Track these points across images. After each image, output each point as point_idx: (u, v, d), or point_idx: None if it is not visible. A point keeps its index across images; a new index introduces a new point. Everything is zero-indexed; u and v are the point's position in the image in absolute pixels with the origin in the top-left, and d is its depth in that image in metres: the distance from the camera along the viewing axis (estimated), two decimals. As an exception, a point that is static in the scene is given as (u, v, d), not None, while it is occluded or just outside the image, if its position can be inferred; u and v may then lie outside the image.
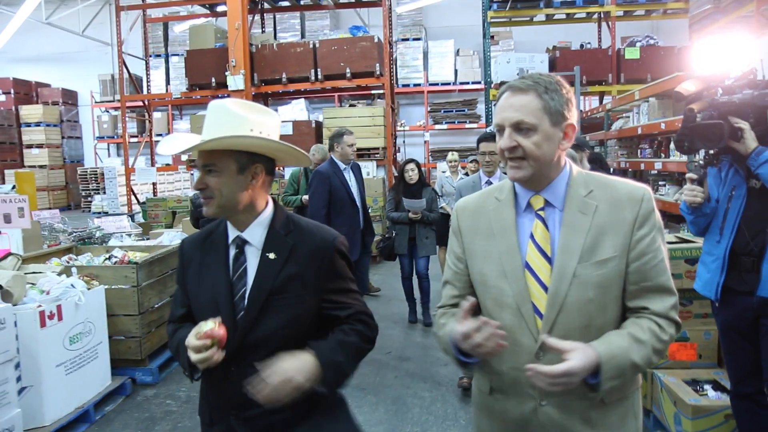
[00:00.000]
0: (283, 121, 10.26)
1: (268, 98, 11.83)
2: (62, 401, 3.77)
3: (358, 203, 5.04)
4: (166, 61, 15.76)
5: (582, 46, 10.81)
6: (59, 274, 4.18)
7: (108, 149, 18.63)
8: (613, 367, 1.38)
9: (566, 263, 1.47)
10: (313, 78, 9.94)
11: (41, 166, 16.83)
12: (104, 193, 14.52)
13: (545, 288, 1.48)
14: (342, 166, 4.99)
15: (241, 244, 1.67)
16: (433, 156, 14.25)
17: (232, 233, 1.68)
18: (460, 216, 1.65)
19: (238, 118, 1.57)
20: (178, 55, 15.50)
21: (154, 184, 10.85)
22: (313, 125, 10.06)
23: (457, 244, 1.64)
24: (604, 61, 9.62)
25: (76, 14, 17.68)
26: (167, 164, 12.48)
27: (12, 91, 17.00)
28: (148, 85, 12.51)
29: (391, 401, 4.23)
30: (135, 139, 15.23)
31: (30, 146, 17.07)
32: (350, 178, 5.02)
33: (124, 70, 11.04)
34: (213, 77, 10.06)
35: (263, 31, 11.62)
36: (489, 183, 4.16)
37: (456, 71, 13.37)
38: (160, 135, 14.74)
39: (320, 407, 1.68)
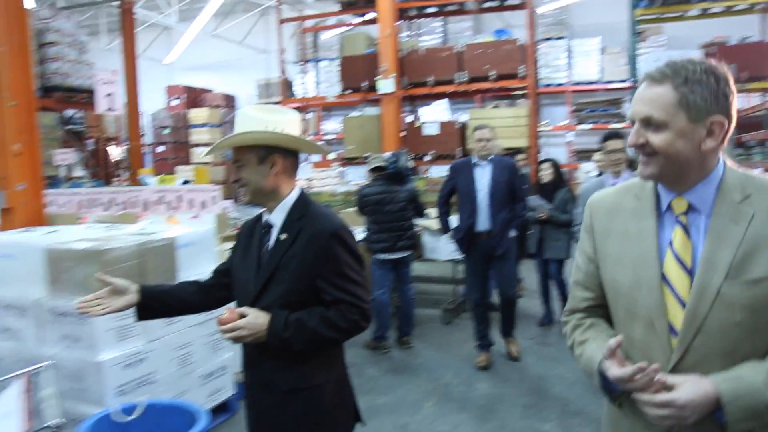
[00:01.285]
0: (428, 122, 10.82)
1: (415, 100, 12.39)
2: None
3: (479, 200, 4.70)
4: (316, 66, 16.89)
5: (742, 39, 10.27)
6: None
7: (262, 149, 20.11)
8: (741, 408, 1.22)
9: (708, 279, 1.29)
10: (458, 80, 10.34)
11: (205, 164, 18.65)
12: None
13: (683, 304, 1.31)
14: (475, 161, 4.78)
15: (268, 226, 1.96)
16: (577, 156, 14.10)
17: (265, 218, 1.98)
18: (593, 213, 1.52)
19: (255, 120, 1.86)
20: (327, 59, 16.57)
21: (308, 179, 11.80)
22: (459, 125, 10.44)
23: (588, 244, 1.52)
24: (768, 56, 9.11)
25: (236, 26, 19.43)
26: (319, 162, 13.49)
27: (183, 97, 18.97)
28: (298, 88, 13.55)
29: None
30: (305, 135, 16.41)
31: (197, 145, 18.97)
32: (483, 174, 4.73)
33: (284, 75, 12.07)
34: (364, 81, 10.76)
35: (410, 37, 12.20)
36: (614, 185, 4.26)
37: (601, 69, 13.16)
38: (311, 135, 15.87)
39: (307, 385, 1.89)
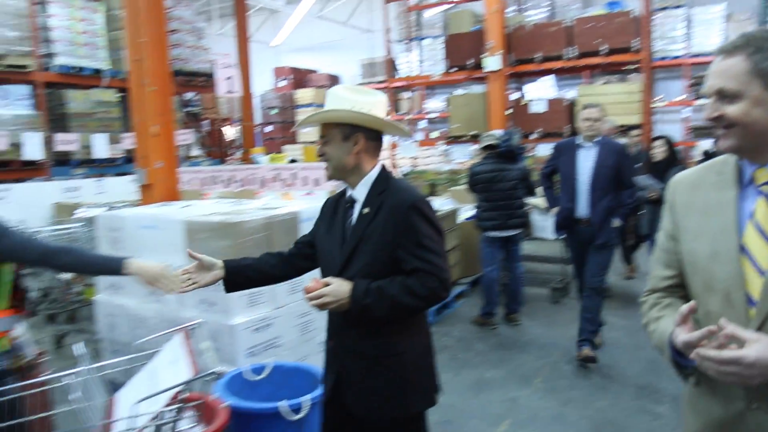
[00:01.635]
0: (534, 99, 10.62)
1: (522, 77, 12.16)
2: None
3: (579, 185, 4.40)
4: (419, 45, 16.90)
5: None
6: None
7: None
8: None
9: None
10: (567, 56, 10.05)
11: (311, 142, 19.24)
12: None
13: (762, 273, 1.29)
14: (580, 142, 4.47)
15: (351, 201, 2.04)
16: (694, 134, 13.33)
17: (348, 193, 2.06)
18: (675, 190, 1.52)
19: (344, 99, 1.95)
20: (430, 38, 16.55)
21: (413, 158, 11.94)
22: (567, 102, 10.17)
23: (669, 221, 1.51)
24: None
25: (341, 6, 19.76)
26: (423, 140, 13.60)
27: (289, 78, 19.61)
28: (402, 67, 13.66)
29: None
30: (389, 117, 16.64)
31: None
32: (587, 157, 4.40)
33: (390, 55, 12.19)
34: (470, 58, 10.69)
35: (516, 13, 11.95)
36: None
37: (725, 39, 12.29)
38: (415, 113, 15.97)
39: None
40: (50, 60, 9.41)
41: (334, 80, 20.69)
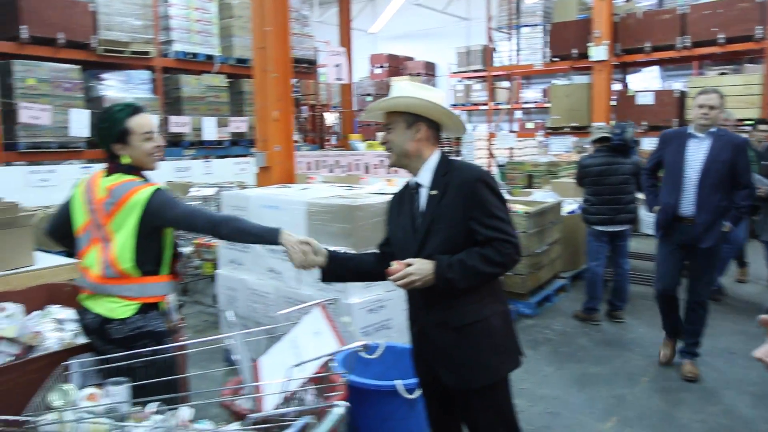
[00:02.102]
0: (641, 91, 10.22)
1: (627, 67, 11.73)
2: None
3: (687, 178, 3.96)
4: (517, 33, 16.59)
5: None
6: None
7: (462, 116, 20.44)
8: None
9: None
10: (679, 45, 9.59)
11: (404, 129, 19.36)
12: (458, 155, 16.16)
13: None
14: (691, 131, 4.01)
15: (417, 187, 2.17)
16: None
17: (412, 181, 2.19)
18: None
19: (407, 91, 2.11)
20: (528, 26, 16.23)
21: (510, 148, 11.84)
22: (677, 94, 9.73)
23: None
24: None
25: (439, -7, 19.71)
26: (521, 131, 13.41)
27: (385, 65, 19.78)
28: (498, 56, 13.47)
29: None
30: (484, 107, 16.52)
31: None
32: (699, 148, 3.95)
33: (491, 43, 12.08)
34: (574, 48, 10.42)
35: (627, 0, 11.50)
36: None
37: None
38: (511, 103, 15.74)
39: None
40: (168, 47, 9.99)
41: (429, 68, 20.70)
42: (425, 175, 2.16)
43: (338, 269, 2.37)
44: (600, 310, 5.37)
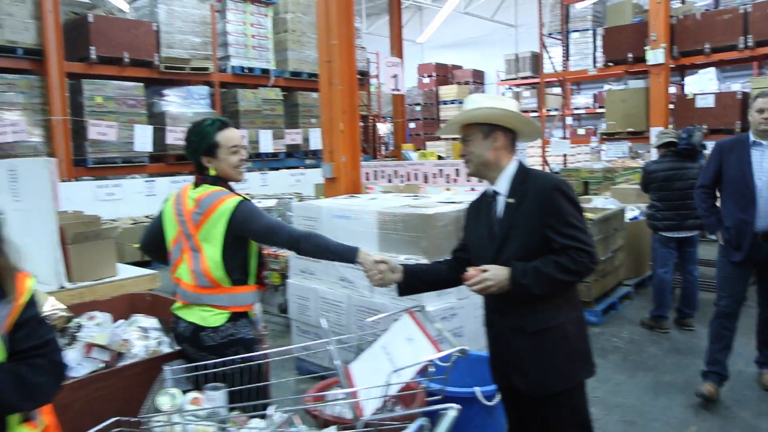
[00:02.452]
0: (699, 93, 9.98)
1: (684, 70, 11.49)
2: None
3: (758, 190, 3.61)
4: (566, 38, 16.43)
5: None
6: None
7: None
8: None
9: None
10: (741, 46, 9.35)
11: (455, 138, 19.38)
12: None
13: None
14: (753, 139, 3.68)
15: (494, 195, 2.21)
16: None
17: (490, 189, 2.23)
18: None
19: (480, 103, 2.16)
20: (578, 31, 16.05)
21: (564, 155, 11.72)
22: (739, 96, 9.47)
23: None
24: None
25: (486, 2, 19.69)
26: (576, 138, 13.26)
27: (434, 74, 19.86)
28: (548, 62, 13.36)
29: None
30: (534, 114, 16.40)
31: (446, 121, 19.83)
32: (765, 157, 3.62)
33: (543, 50, 11.99)
34: (629, 52, 10.27)
35: (683, 2, 11.28)
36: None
37: None
38: (556, 110, 15.56)
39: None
40: (226, 62, 10.29)
41: (478, 76, 20.68)
42: (503, 184, 2.19)
43: (414, 281, 2.42)
44: (668, 317, 5.27)
